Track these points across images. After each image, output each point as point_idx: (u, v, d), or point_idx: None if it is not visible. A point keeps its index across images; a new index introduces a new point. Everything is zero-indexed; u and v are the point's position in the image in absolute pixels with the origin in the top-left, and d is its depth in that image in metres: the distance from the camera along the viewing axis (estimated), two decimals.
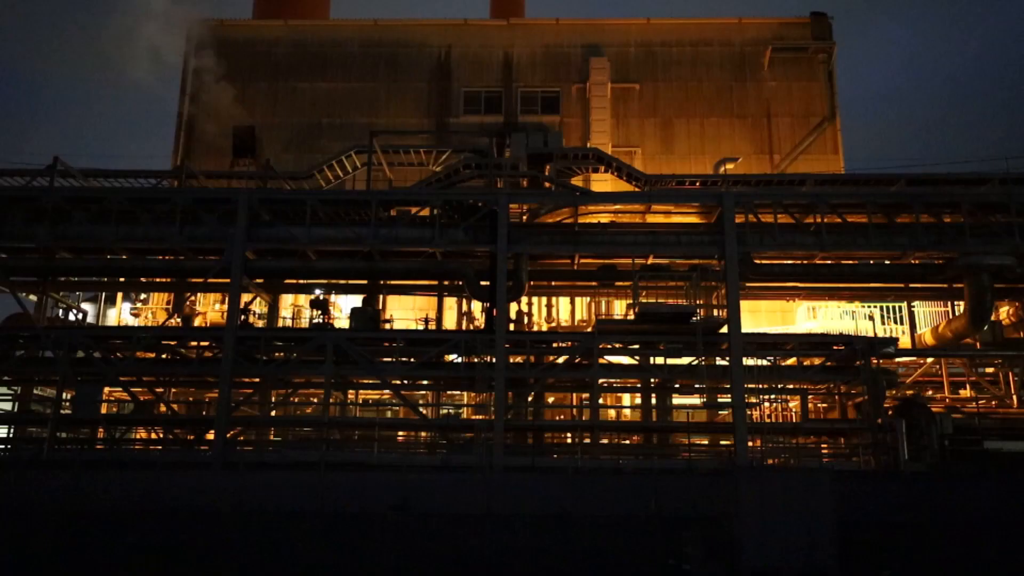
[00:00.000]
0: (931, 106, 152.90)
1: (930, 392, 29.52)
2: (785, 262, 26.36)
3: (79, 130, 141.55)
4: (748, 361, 23.89)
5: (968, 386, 29.58)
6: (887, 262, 26.80)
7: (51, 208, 24.91)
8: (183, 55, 42.43)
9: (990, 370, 29.95)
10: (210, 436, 23.97)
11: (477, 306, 30.05)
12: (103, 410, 26.17)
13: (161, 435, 26.58)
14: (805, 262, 26.14)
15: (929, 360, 29.52)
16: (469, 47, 42.13)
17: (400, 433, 28.13)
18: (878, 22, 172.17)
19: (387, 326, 29.89)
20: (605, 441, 26.16)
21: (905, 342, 29.45)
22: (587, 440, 24.70)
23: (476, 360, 24.58)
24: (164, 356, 26.54)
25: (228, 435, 23.98)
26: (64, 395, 25.35)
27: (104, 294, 33.97)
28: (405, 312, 34.26)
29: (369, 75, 42.02)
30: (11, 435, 26.06)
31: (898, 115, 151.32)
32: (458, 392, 30.03)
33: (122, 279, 28.86)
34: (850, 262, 26.67)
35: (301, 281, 28.63)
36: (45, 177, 28.08)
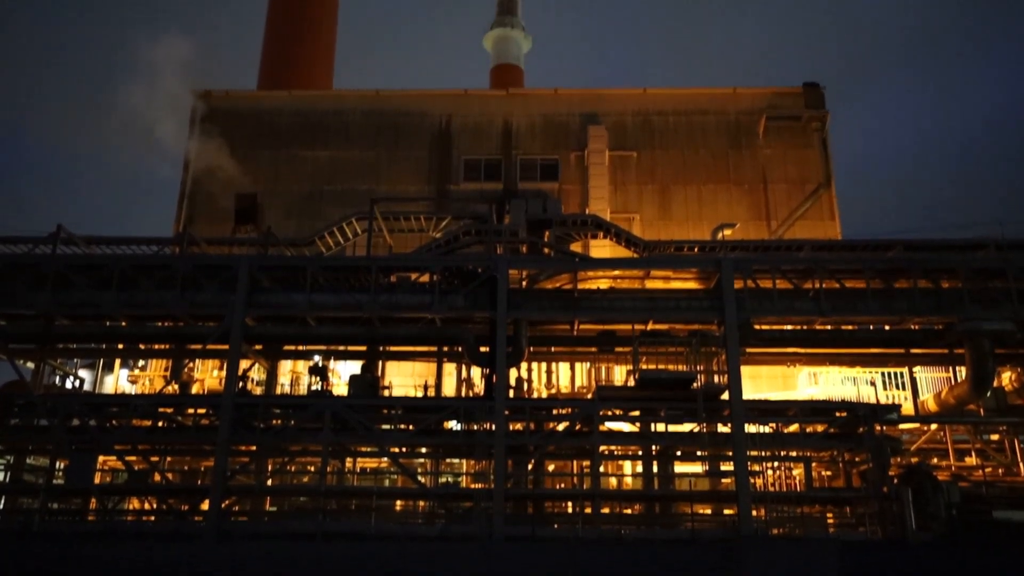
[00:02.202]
0: (926, 170, 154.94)
1: (935, 460, 29.12)
2: (785, 327, 26.31)
3: (85, 197, 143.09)
4: (750, 428, 23.64)
5: (974, 453, 29.20)
6: (887, 328, 26.76)
7: (53, 275, 24.98)
8: (189, 124, 43.16)
9: (995, 437, 29.61)
10: (205, 506, 23.56)
11: (477, 372, 29.90)
12: (96, 479, 25.76)
13: (155, 505, 26.12)
14: (805, 327, 26.09)
15: (933, 427, 29.22)
16: (469, 116, 42.90)
17: (398, 502, 27.63)
18: (872, 89, 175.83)
19: (386, 393, 29.69)
20: (607, 510, 25.70)
21: (908, 408, 29.21)
22: (588, 510, 24.28)
23: (475, 427, 24.33)
24: (160, 424, 26.27)
25: (223, 505, 23.56)
26: (57, 464, 25.00)
27: (102, 361, 33.82)
28: (404, 379, 34.08)
29: (370, 143, 42.68)
30: (1, 506, 25.60)
31: (893, 180, 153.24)
32: (457, 460, 29.63)
33: (121, 345, 28.77)
34: (850, 327, 26.63)
35: (300, 347, 28.55)
36: (48, 244, 28.25)
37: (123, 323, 26.37)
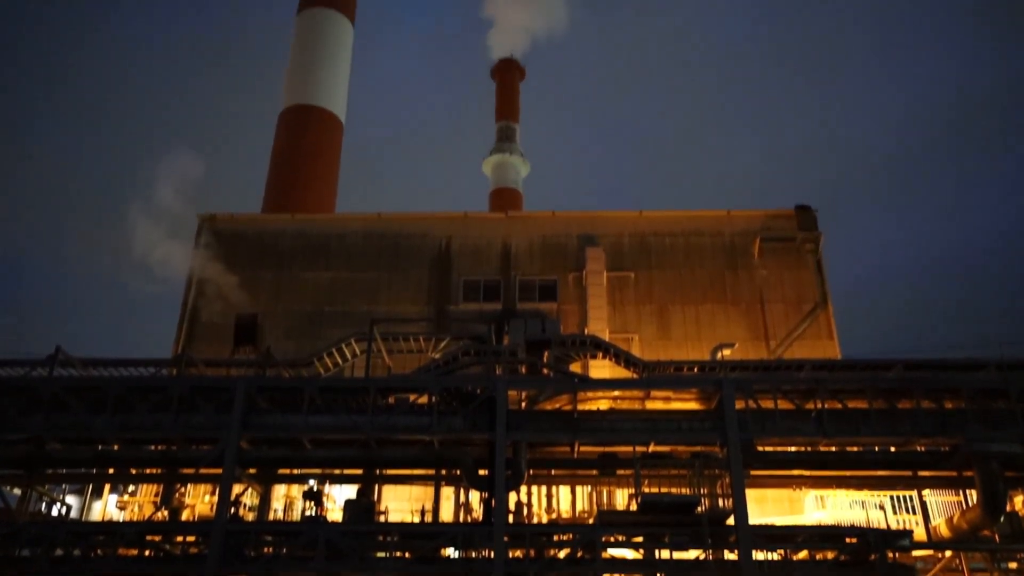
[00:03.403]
0: (923, 289, 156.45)
1: None
2: (789, 449, 25.89)
3: (88, 318, 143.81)
4: (758, 555, 22.83)
5: None
6: (892, 449, 26.31)
7: (47, 398, 24.76)
8: (193, 246, 43.86)
9: (1013, 565, 28.51)
10: None
11: (475, 496, 29.17)
12: None
13: None
14: (809, 449, 25.66)
15: (948, 553, 28.22)
16: (469, 238, 43.65)
17: None
18: (867, 209, 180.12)
19: (382, 518, 28.85)
20: None
21: (920, 534, 28.25)
22: None
23: (474, 554, 23.49)
24: (147, 552, 25.36)
25: None
26: None
27: (91, 486, 33.04)
28: (401, 503, 33.21)
29: (371, 264, 43.23)
30: None
31: (889, 299, 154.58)
32: None
33: (111, 470, 28.19)
34: (854, 449, 26.17)
35: (295, 471, 27.97)
36: (46, 367, 28.14)
37: (115, 447, 25.92)
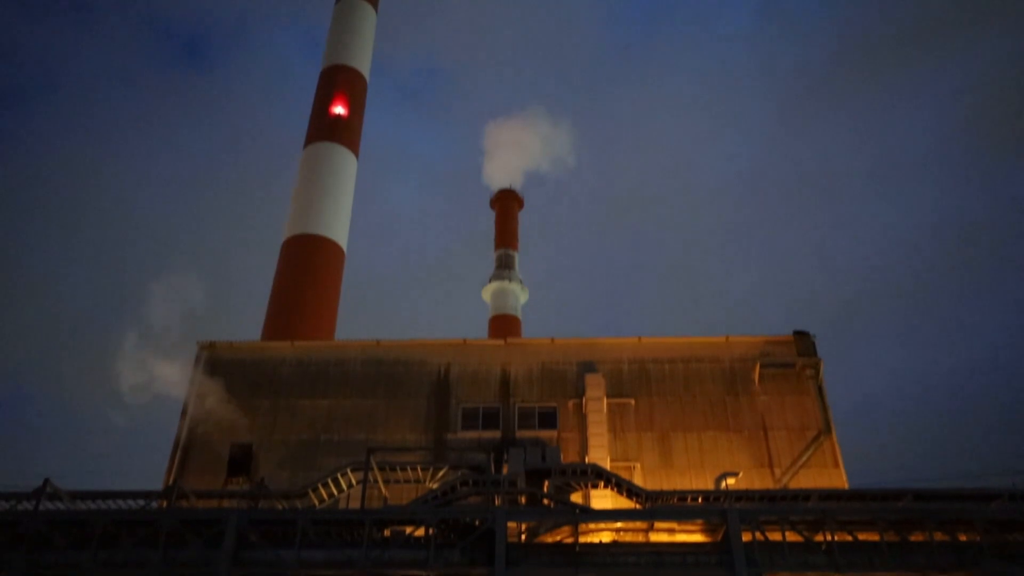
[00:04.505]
0: (931, 416, 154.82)
1: None
2: None
3: (83, 448, 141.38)
4: None
5: None
6: None
7: (31, 533, 24.01)
8: (191, 373, 43.60)
9: None
10: None
11: None
12: None
13: None
14: None
15: None
16: (468, 365, 43.49)
17: None
18: (870, 334, 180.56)
19: None
20: None
21: None
22: None
23: None
24: None
25: None
26: None
27: None
28: None
29: (369, 392, 42.86)
30: None
31: (894, 426, 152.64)
32: None
33: None
34: None
35: None
36: (32, 500, 27.40)
37: None
